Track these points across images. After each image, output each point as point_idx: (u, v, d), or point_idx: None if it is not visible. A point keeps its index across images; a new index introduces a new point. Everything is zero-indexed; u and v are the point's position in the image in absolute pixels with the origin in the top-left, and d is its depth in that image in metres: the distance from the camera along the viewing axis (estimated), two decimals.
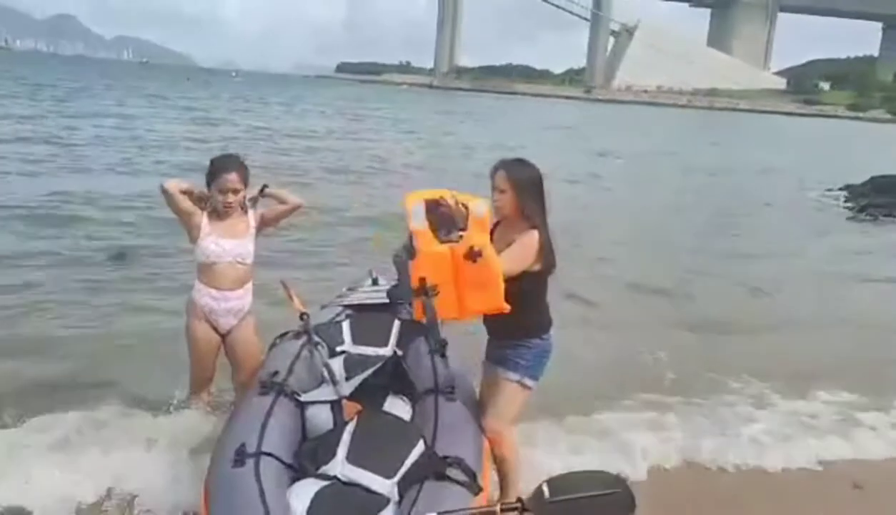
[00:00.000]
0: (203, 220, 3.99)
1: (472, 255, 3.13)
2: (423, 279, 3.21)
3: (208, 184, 3.97)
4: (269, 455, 2.93)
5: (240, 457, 2.86)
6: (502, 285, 3.15)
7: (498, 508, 2.73)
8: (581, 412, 4.91)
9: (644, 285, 8.53)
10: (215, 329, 4.13)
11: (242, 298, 4.15)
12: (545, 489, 2.78)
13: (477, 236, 3.19)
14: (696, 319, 7.51)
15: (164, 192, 3.92)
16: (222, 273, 4.01)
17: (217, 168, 3.96)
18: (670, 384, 5.56)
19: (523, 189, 3.36)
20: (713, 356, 6.31)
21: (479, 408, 3.62)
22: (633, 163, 24.82)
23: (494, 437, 3.45)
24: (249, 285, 4.20)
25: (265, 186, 4.21)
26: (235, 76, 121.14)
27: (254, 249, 4.13)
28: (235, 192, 3.96)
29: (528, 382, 3.48)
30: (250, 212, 4.13)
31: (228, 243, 4.00)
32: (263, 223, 4.19)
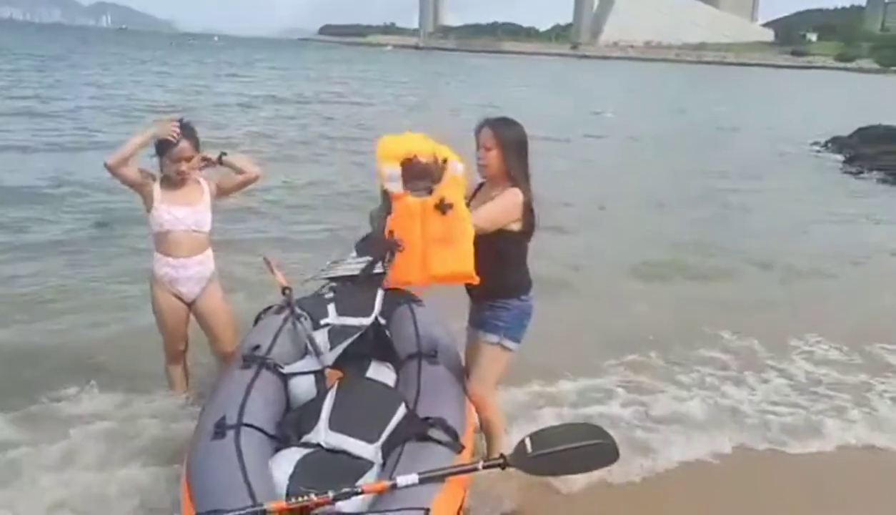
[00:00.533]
0: (156, 188, 3.89)
1: (443, 206, 3.05)
2: (391, 232, 3.16)
3: (160, 153, 3.86)
4: (251, 426, 2.94)
5: (220, 429, 2.88)
6: (471, 249, 3.04)
7: (480, 464, 2.77)
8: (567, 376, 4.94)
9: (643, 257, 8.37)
10: (180, 299, 4.06)
11: (203, 264, 4.06)
12: (527, 443, 2.82)
13: (450, 190, 3.13)
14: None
15: (108, 168, 3.79)
16: (177, 241, 3.93)
17: (173, 137, 3.83)
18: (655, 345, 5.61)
19: (508, 147, 3.32)
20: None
21: (463, 372, 3.65)
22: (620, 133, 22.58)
23: (478, 401, 3.48)
24: (209, 252, 4.11)
25: (223, 153, 4.11)
26: (217, 41, 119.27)
27: (211, 217, 4.03)
28: (188, 160, 3.87)
29: (509, 343, 3.47)
30: (203, 181, 4.03)
31: (182, 210, 3.91)
32: (220, 192, 4.09)
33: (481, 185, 3.50)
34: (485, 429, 3.59)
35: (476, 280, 3.11)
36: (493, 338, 3.47)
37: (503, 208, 3.26)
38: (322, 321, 4.21)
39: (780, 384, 5.15)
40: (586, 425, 3.04)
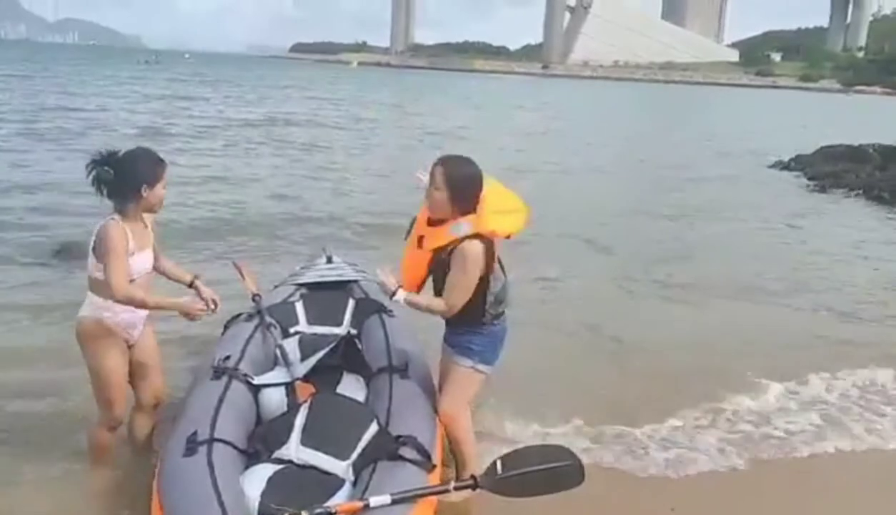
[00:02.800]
0: (128, 236, 3.26)
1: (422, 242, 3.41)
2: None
3: (149, 182, 3.27)
4: (222, 441, 2.87)
5: (191, 445, 2.80)
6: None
7: (451, 486, 2.74)
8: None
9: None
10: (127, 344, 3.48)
11: None
12: (498, 464, 2.81)
13: (434, 237, 3.34)
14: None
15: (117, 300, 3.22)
16: (140, 286, 3.31)
17: (160, 160, 3.38)
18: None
19: (457, 188, 3.23)
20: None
21: (435, 388, 3.61)
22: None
23: (448, 420, 3.42)
24: None
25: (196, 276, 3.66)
26: (188, 58, 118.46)
27: None
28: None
29: (482, 367, 3.42)
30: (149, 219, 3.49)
31: (144, 253, 3.38)
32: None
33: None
34: (454, 448, 3.52)
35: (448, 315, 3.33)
36: (468, 362, 3.40)
37: (472, 276, 3.24)
38: (292, 329, 4.17)
39: None
40: (555, 447, 3.06)
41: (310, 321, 4.26)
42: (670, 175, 16.06)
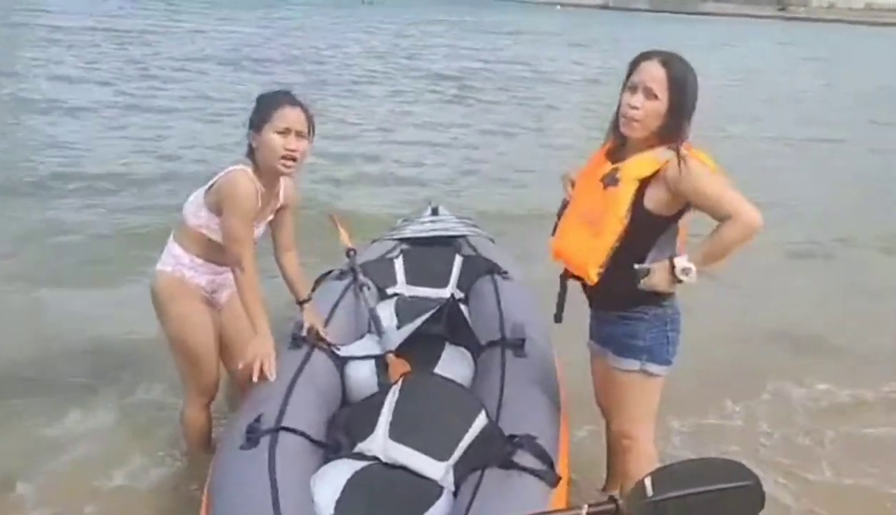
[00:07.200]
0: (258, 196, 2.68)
1: (609, 178, 2.39)
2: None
3: (255, 125, 2.64)
4: (292, 430, 2.32)
5: (253, 434, 2.26)
6: (609, 245, 2.38)
7: (585, 510, 2.05)
8: None
9: None
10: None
11: None
12: (647, 483, 2.08)
13: (635, 166, 2.34)
14: None
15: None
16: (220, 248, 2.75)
17: (275, 97, 2.68)
18: None
19: (683, 96, 2.29)
20: None
21: (557, 371, 2.93)
22: None
23: (626, 443, 2.62)
24: None
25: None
26: None
27: None
28: (300, 136, 2.64)
29: (653, 368, 2.50)
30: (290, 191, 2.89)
31: (260, 227, 2.83)
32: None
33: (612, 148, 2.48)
34: (617, 473, 2.76)
35: (593, 280, 2.38)
36: (632, 364, 2.49)
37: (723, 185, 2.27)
38: (389, 291, 3.62)
39: None
40: (725, 461, 2.25)
41: (409, 282, 3.68)
42: None
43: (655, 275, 2.29)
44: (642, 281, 2.30)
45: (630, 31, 35.51)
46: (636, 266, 2.32)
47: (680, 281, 2.27)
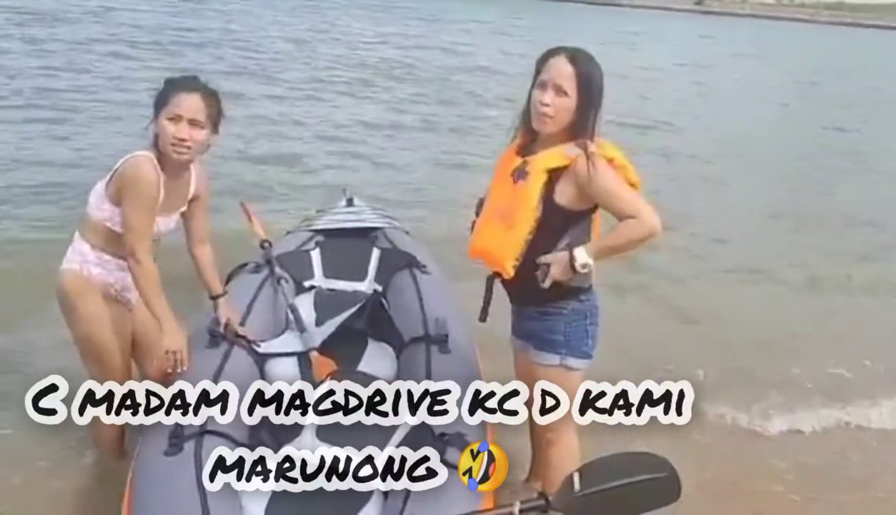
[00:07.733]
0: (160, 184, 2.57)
1: (518, 172, 2.43)
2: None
3: (156, 111, 2.55)
4: (216, 433, 2.25)
5: (176, 439, 2.18)
6: (522, 238, 2.43)
7: (517, 507, 2.10)
8: None
9: None
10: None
11: None
12: (575, 479, 2.16)
13: (544, 160, 2.41)
14: None
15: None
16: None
17: (174, 82, 2.59)
18: None
19: (590, 93, 2.34)
20: None
21: (480, 366, 2.96)
22: None
23: (549, 437, 2.65)
24: None
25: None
26: None
27: None
28: (194, 124, 2.55)
29: (573, 362, 2.55)
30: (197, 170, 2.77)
31: (172, 218, 2.73)
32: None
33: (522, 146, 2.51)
34: (541, 465, 2.79)
35: (509, 273, 2.42)
36: (552, 359, 2.53)
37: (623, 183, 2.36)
38: (306, 283, 3.56)
39: None
40: (644, 454, 2.36)
41: (327, 274, 3.64)
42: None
43: (554, 267, 2.36)
44: (545, 279, 2.37)
45: (547, 21, 35.59)
46: (538, 260, 2.38)
47: (578, 273, 2.36)
